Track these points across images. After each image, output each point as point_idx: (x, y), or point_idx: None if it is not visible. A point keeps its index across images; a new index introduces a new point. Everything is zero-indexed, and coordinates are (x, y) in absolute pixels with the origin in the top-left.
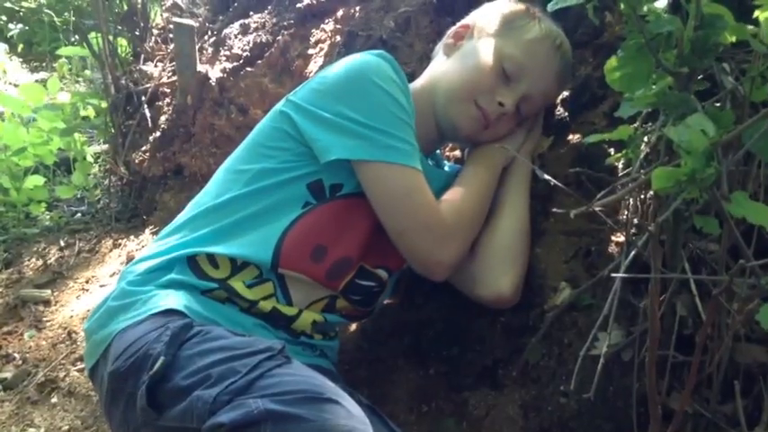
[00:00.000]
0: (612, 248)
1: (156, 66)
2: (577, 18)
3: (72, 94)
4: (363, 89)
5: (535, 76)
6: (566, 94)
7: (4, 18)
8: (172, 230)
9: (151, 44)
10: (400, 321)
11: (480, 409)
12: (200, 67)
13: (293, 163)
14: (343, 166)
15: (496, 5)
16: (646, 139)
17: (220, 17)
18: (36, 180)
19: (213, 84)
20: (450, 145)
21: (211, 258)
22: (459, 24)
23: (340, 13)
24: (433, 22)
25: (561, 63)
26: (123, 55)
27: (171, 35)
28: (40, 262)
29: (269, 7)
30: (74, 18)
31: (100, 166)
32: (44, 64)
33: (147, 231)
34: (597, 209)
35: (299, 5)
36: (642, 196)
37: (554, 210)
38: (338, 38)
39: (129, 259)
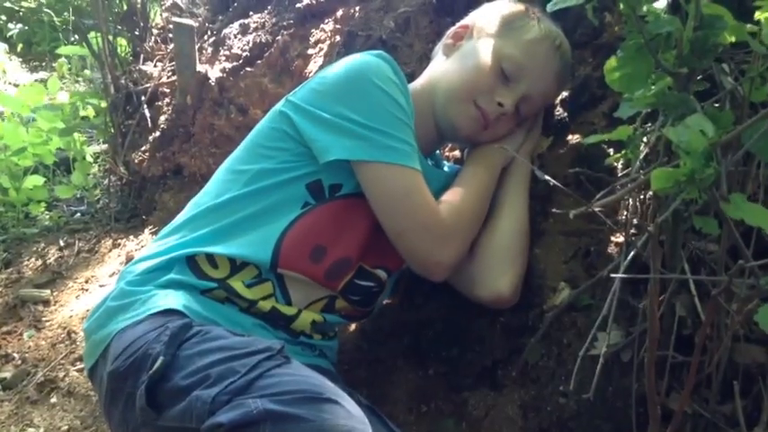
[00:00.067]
0: (612, 249)
1: (155, 66)
2: (577, 18)
3: (71, 94)
4: (363, 89)
5: (534, 77)
6: (565, 94)
7: (3, 18)
8: (171, 230)
9: (151, 44)
10: (400, 321)
11: (480, 409)
12: (200, 67)
13: (292, 163)
14: (342, 166)
15: (496, 6)
16: (645, 139)
17: (220, 17)
18: (35, 180)
19: (213, 84)
20: (450, 145)
21: (211, 258)
22: (458, 25)
23: (340, 13)
24: (433, 23)
25: (561, 63)
26: (123, 55)
27: (171, 35)
28: (40, 262)
29: (269, 7)
30: (73, 18)
31: (99, 165)
32: (44, 64)
33: (147, 231)
34: (596, 209)
35: (298, 5)
36: (641, 197)
37: (553, 210)
38: (338, 38)
39: (129, 259)
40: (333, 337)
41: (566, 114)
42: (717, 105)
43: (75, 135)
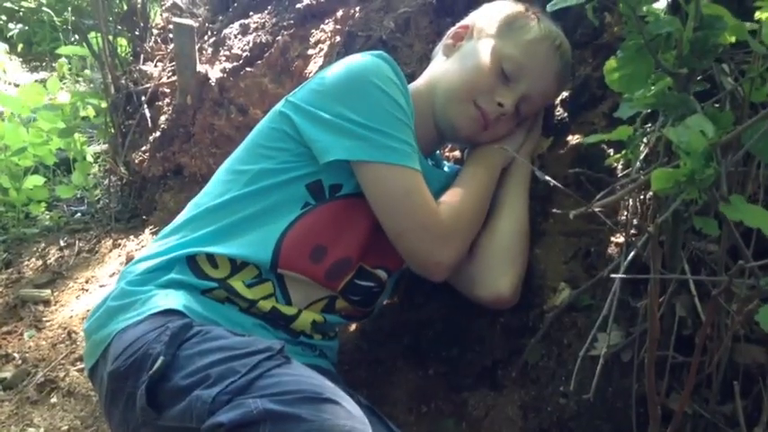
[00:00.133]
0: (612, 249)
1: (155, 66)
2: (577, 18)
3: (72, 94)
4: (363, 90)
5: (534, 77)
6: (565, 94)
7: (3, 18)
8: (171, 230)
9: (151, 44)
10: (400, 322)
11: (480, 409)
12: (200, 68)
13: (292, 163)
14: (342, 166)
15: (496, 6)
16: (645, 139)
17: (220, 17)
18: (36, 180)
19: (213, 84)
20: (450, 145)
21: (211, 258)
22: (458, 25)
23: (340, 13)
24: (433, 23)
25: (561, 63)
26: (123, 55)
27: (171, 35)
28: (40, 262)
29: (269, 7)
30: (73, 18)
31: (100, 166)
32: (44, 64)
33: (147, 231)
34: (596, 210)
35: (298, 6)
36: (641, 197)
37: (553, 210)
38: (338, 38)
39: (129, 259)
40: (333, 338)
41: (566, 114)
42: (717, 106)
43: (76, 135)
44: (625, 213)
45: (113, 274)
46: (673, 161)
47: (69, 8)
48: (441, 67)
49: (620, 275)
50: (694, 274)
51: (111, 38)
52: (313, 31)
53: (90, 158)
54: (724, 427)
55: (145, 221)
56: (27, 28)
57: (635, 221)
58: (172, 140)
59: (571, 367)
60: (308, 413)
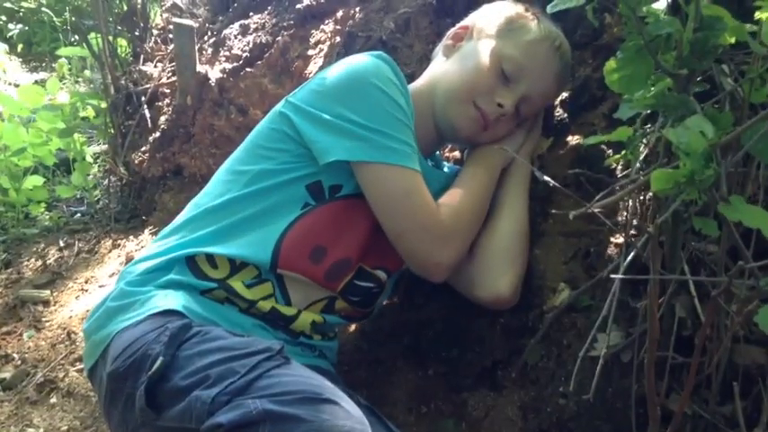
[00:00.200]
0: (611, 250)
1: (155, 66)
2: (577, 19)
3: (71, 95)
4: (362, 91)
5: (534, 77)
6: (565, 95)
7: (3, 18)
8: (171, 231)
9: (151, 44)
10: (399, 322)
11: (479, 410)
12: (200, 68)
13: (292, 164)
14: (342, 167)
15: (496, 6)
16: (645, 140)
17: (220, 18)
18: (35, 180)
19: (213, 84)
20: (450, 146)
21: (210, 259)
22: (458, 25)
23: (340, 14)
24: (433, 24)
25: (560, 64)
26: (123, 55)
27: (171, 35)
28: (40, 262)
29: (269, 8)
30: (73, 18)
31: (99, 166)
32: (44, 64)
33: (147, 232)
34: (596, 210)
35: (298, 6)
36: (641, 198)
37: (553, 211)
38: (338, 39)
39: (129, 260)
40: (333, 338)
41: (566, 115)
42: (717, 106)
43: (75, 135)
44: (625, 214)
45: (113, 274)
46: (672, 162)
47: (69, 8)
48: (441, 68)
49: (619, 276)
50: (694, 274)
51: (110, 38)
52: (313, 31)
53: (90, 159)
54: (724, 427)
55: (144, 222)
56: (27, 28)
57: (635, 222)
58: (171, 141)
59: (571, 368)
60: (308, 413)
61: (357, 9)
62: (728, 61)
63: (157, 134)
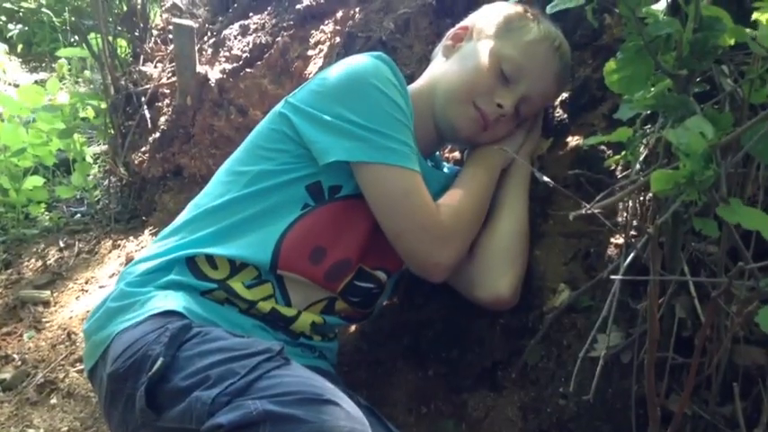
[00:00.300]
0: (611, 250)
1: (155, 67)
2: (576, 20)
3: (71, 95)
4: (362, 91)
5: (534, 78)
6: (565, 95)
7: (3, 18)
8: (171, 231)
9: (151, 45)
10: (399, 322)
11: (479, 410)
12: (200, 68)
13: (292, 165)
14: (341, 167)
15: (495, 7)
16: (645, 141)
17: (220, 18)
18: (35, 181)
19: (213, 85)
20: (450, 146)
21: (210, 259)
22: (458, 26)
23: (339, 14)
24: (433, 24)
25: (560, 64)
26: (123, 56)
27: (170, 36)
28: (40, 263)
29: (268, 8)
30: (73, 19)
31: (99, 166)
32: (43, 64)
33: (147, 232)
34: (596, 211)
35: (298, 7)
36: (641, 198)
37: (553, 212)
38: (338, 39)
39: (129, 260)
40: (333, 339)
41: (565, 116)
42: (716, 107)
43: (75, 136)
44: (625, 215)
45: (113, 274)
46: (672, 162)
47: (69, 9)
48: (440, 69)
49: (619, 277)
50: (694, 275)
51: (110, 39)
52: (313, 32)
53: (89, 159)
54: (724, 428)
55: (144, 222)
56: (27, 28)
57: (635, 223)
58: (171, 141)
59: (571, 368)
60: (308, 414)
61: (357, 9)
62: (728, 62)
63: (157, 134)
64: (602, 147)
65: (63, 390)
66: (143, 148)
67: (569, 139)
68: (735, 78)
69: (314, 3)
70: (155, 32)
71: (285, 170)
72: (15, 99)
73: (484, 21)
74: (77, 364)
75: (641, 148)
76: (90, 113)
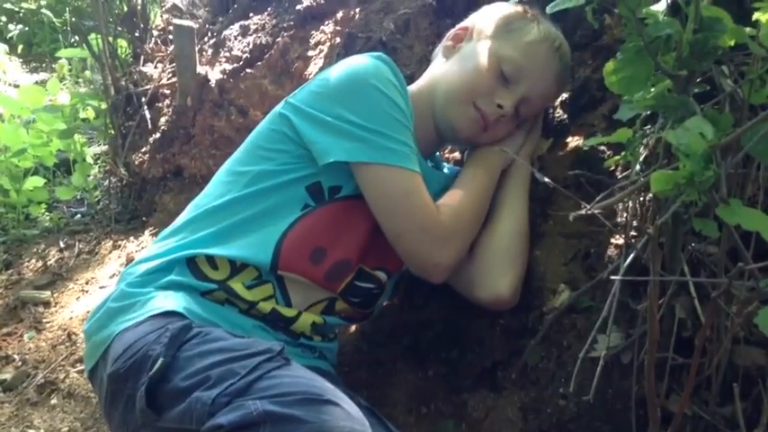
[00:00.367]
0: (611, 251)
1: (155, 67)
2: (576, 20)
3: (72, 96)
4: (362, 92)
5: (534, 79)
6: (565, 96)
7: (3, 19)
8: (171, 232)
9: (151, 45)
10: (399, 323)
11: (479, 410)
12: (200, 69)
13: (292, 165)
14: (341, 168)
15: (495, 7)
16: (645, 141)
17: (220, 19)
18: (36, 181)
19: (213, 85)
20: (450, 147)
21: (211, 260)
22: (458, 27)
23: (340, 14)
24: (433, 24)
25: (560, 65)
26: (123, 56)
27: (171, 36)
28: (40, 263)
29: (269, 9)
30: (73, 19)
31: (100, 167)
32: (44, 65)
33: (147, 233)
34: (596, 211)
35: (298, 7)
36: (641, 199)
37: (553, 212)
38: (338, 40)
39: (129, 261)
40: (333, 339)
41: (565, 116)
42: (716, 108)
43: (76, 136)
44: (625, 215)
45: (113, 275)
46: (672, 163)
47: (69, 9)
48: (440, 69)
49: (619, 277)
50: (694, 275)
51: (111, 39)
52: (313, 32)
53: (90, 160)
54: (723, 428)
55: (145, 223)
56: (27, 29)
57: (635, 223)
58: (172, 142)
59: (571, 369)
60: (308, 414)
61: (357, 10)
62: (728, 62)
63: (157, 135)
64: (602, 147)
65: (63, 390)
66: (143, 149)
67: (569, 139)
68: (735, 79)
69: (314, 3)
70: (155, 33)
71: (285, 170)
72: (16, 99)
73: (484, 21)
74: (78, 365)
75: (641, 149)
76: (90, 114)
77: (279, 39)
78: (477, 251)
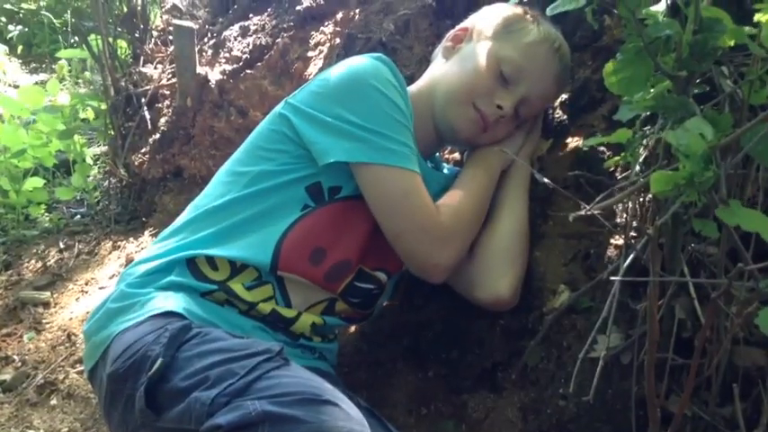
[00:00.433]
0: (611, 251)
1: (155, 68)
2: (576, 21)
3: (71, 96)
4: (362, 92)
5: (534, 79)
6: (564, 96)
7: (3, 19)
8: (171, 232)
9: (151, 46)
10: (399, 323)
11: (479, 411)
12: (200, 70)
13: (292, 165)
14: (341, 168)
15: (495, 8)
16: (644, 142)
17: (220, 19)
18: (35, 182)
19: (213, 86)
20: (450, 147)
21: (210, 260)
22: (457, 27)
23: (339, 15)
24: (433, 25)
25: (560, 66)
26: (123, 57)
27: (171, 37)
28: (40, 264)
29: (268, 9)
30: (73, 20)
31: (99, 167)
32: (44, 65)
33: (147, 233)
34: (596, 212)
35: (298, 8)
36: (641, 199)
37: (553, 213)
38: (337, 40)
39: (129, 261)
40: (333, 340)
41: (565, 117)
42: (716, 108)
43: (75, 137)
44: (624, 216)
45: (113, 276)
46: (672, 164)
47: (69, 10)
48: (440, 70)
49: (619, 278)
50: (694, 276)
51: (110, 40)
52: (313, 33)
53: (90, 160)
54: (723, 429)
55: (144, 223)
56: (27, 30)
57: (634, 224)
58: (171, 142)
59: (571, 369)
60: (307, 415)
61: (357, 11)
62: (728, 63)
63: (157, 136)
64: (602, 148)
65: (63, 391)
66: (143, 150)
67: (569, 140)
68: (734, 80)
69: (314, 4)
70: (155, 34)
71: (285, 171)
72: (15, 100)
73: (484, 22)
74: (77, 365)
75: (641, 150)
76: (90, 114)
77: (279, 39)
78: (477, 251)
